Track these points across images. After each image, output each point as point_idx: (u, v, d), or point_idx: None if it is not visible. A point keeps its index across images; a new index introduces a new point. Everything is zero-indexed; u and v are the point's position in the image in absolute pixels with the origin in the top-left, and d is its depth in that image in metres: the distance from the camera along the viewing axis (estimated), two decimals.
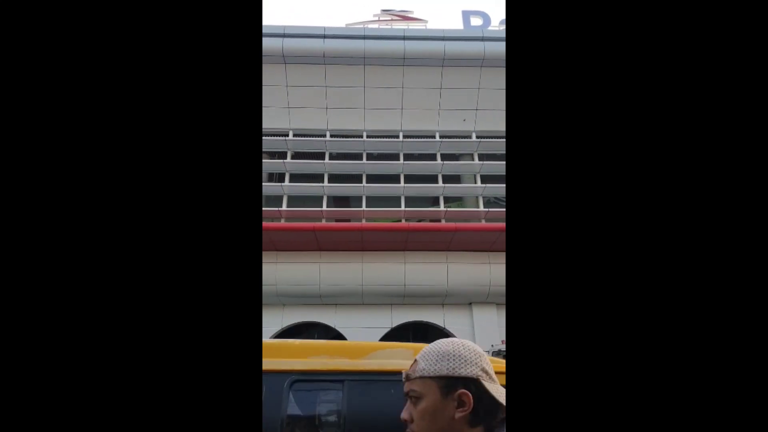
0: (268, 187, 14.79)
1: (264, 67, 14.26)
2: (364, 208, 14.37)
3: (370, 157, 15.26)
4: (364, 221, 14.15)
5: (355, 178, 14.97)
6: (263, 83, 14.42)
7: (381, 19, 17.46)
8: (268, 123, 14.97)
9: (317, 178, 14.86)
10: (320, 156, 15.18)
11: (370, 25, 16.63)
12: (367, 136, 15.22)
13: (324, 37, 14.45)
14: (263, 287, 13.88)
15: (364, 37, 14.65)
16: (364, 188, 14.61)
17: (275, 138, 14.86)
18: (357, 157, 15.18)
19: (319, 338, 15.81)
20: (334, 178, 15.03)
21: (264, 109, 14.83)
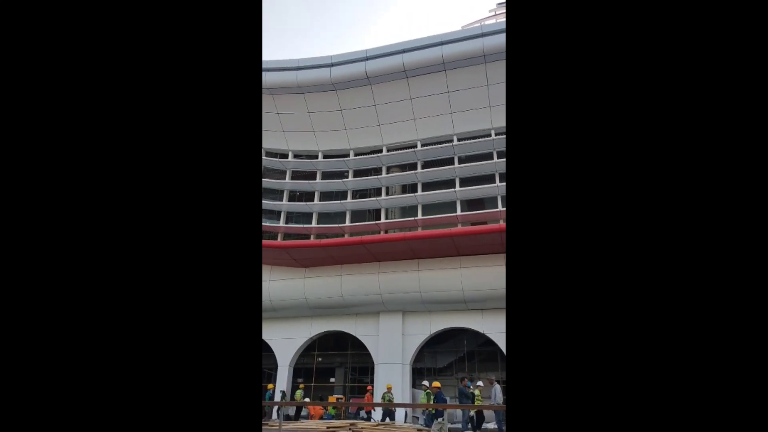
0: (402, 199, 15.35)
1: (386, 85, 14.92)
2: (500, 208, 13.89)
3: (501, 155, 14.73)
4: (502, 222, 13.66)
5: (487, 179, 14.59)
6: (388, 101, 15.10)
7: (497, 13, 16.90)
8: (395, 138, 15.61)
9: (449, 184, 14.91)
10: (449, 162, 15.23)
11: (487, 22, 16.21)
12: (496, 134, 14.75)
13: (442, 44, 14.57)
14: (408, 294, 14.37)
15: (482, 35, 14.34)
16: (498, 188, 14.13)
17: (405, 151, 15.40)
18: (487, 157, 14.80)
19: (467, 344, 15.66)
20: (465, 181, 14.89)
21: (391, 125, 15.52)
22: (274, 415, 13.45)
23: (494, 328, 13.95)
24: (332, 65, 15.01)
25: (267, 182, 16.15)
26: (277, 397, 14.56)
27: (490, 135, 14.87)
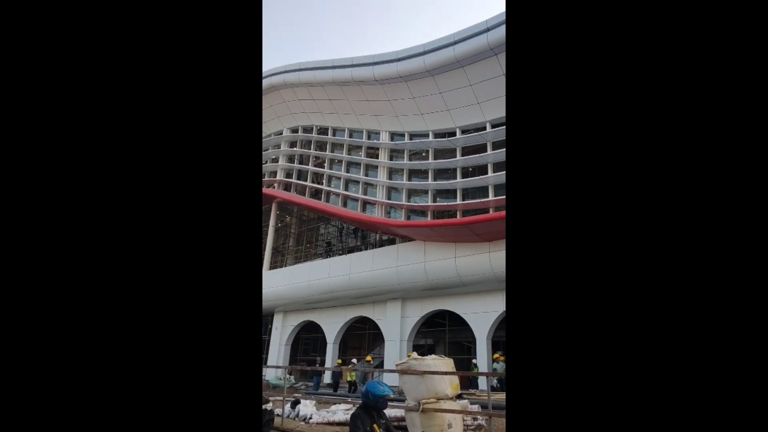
0: (474, 181, 14.19)
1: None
2: None
3: None
4: None
5: None
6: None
7: None
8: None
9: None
10: None
11: None
12: None
13: None
14: None
15: None
16: None
17: (473, 134, 13.87)
18: None
19: None
20: None
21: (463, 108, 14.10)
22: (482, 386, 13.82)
23: None
24: (488, 30, 14.39)
25: (439, 163, 16.54)
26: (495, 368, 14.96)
27: None
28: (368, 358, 16.13)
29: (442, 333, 18.46)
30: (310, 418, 9.27)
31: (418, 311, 17.90)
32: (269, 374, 19.75)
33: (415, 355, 7.31)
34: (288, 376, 18.09)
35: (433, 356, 7.31)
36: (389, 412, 8.57)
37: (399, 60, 16.38)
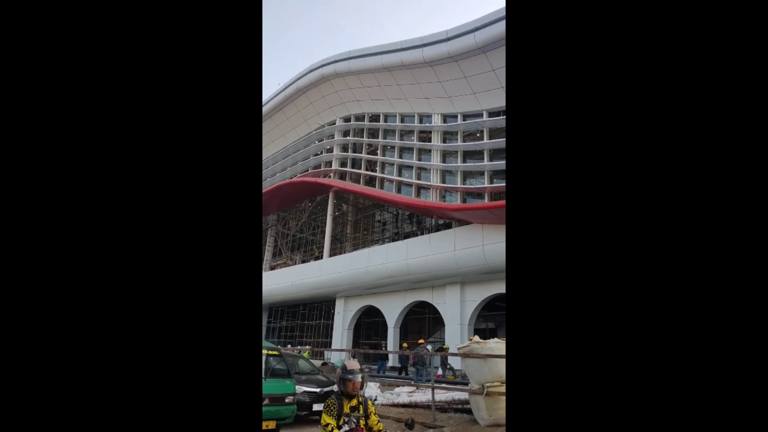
0: None
1: None
2: None
3: None
4: None
5: None
6: None
7: None
8: None
9: None
10: None
11: None
12: None
13: None
14: None
15: None
16: None
17: None
18: None
19: None
20: None
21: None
22: None
23: None
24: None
25: (495, 142, 16.05)
26: None
27: None
28: (421, 341, 16.21)
29: (503, 317, 18.12)
30: (375, 399, 9.53)
31: (478, 295, 17.68)
32: (334, 357, 20.50)
33: (476, 338, 7.25)
34: (352, 359, 18.65)
35: (495, 339, 7.21)
36: (452, 395, 8.61)
37: (448, 39, 15.96)
